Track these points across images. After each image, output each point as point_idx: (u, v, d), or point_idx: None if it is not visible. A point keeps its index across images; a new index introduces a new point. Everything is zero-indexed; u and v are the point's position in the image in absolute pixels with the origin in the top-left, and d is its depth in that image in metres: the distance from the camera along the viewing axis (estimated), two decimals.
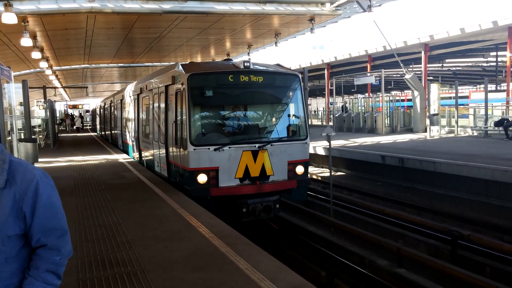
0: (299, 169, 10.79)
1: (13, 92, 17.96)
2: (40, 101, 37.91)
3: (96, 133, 41.29)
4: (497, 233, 11.04)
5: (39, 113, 34.39)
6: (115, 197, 10.17)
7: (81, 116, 62.77)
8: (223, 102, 11.13)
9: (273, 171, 10.31)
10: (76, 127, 49.44)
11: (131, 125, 18.12)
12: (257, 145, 10.17)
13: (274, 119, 11.64)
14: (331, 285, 8.50)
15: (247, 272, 5.38)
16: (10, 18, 13.99)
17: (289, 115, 11.46)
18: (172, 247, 6.47)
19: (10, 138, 16.97)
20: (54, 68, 31.71)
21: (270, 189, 10.29)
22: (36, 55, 21.93)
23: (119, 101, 22.41)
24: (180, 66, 10.81)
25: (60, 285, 5.27)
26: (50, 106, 29.29)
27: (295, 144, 10.91)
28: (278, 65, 12.00)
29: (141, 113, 15.86)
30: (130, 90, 18.98)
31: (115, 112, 24.48)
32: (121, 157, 18.53)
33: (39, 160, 13.76)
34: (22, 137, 16.21)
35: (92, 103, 71.31)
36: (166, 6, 16.86)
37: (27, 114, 13.76)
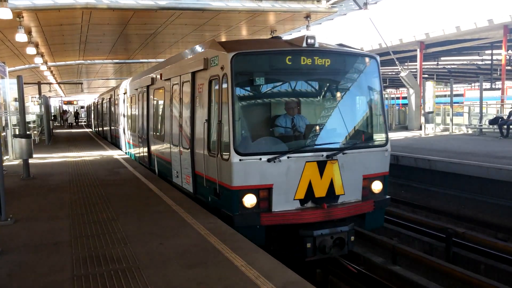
0: (376, 186, 8.29)
1: (8, 88, 17.94)
2: (35, 97, 37.78)
3: (91, 130, 41.17)
4: (492, 231, 11.10)
5: (33, 109, 34.26)
6: (110, 194, 10.13)
7: (76, 113, 62.95)
8: (278, 93, 8.57)
9: (343, 190, 7.81)
10: (69, 123, 49.61)
11: (137, 124, 15.32)
12: (324, 154, 7.61)
13: (345, 118, 8.61)
14: (326, 282, 8.51)
15: (242, 269, 5.38)
16: (5, 13, 13.93)
17: (364, 112, 8.82)
18: (168, 244, 6.46)
19: (4, 133, 16.94)
20: (49, 63, 31.66)
21: (342, 215, 7.72)
22: (31, 50, 21.88)
23: (121, 95, 19.61)
24: (218, 44, 8.14)
25: (56, 281, 5.30)
26: (45, 102, 29.18)
27: (373, 152, 8.31)
28: (341, 45, 9.01)
29: (152, 109, 13.28)
30: (135, 82, 16.33)
31: (115, 108, 21.99)
32: (116, 154, 18.48)
33: (34, 156, 13.70)
34: (17, 132, 16.12)
35: (87, 99, 71.09)
36: (162, 2, 16.86)
37: (22, 110, 13.68)
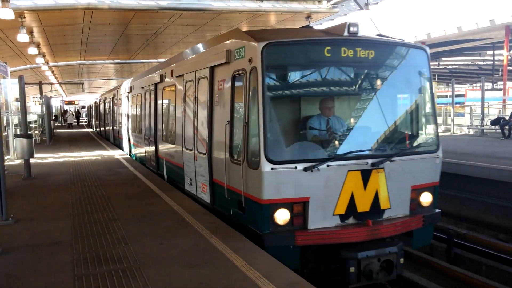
0: (426, 198, 7.20)
1: (10, 88, 17.98)
2: (36, 97, 37.85)
3: (92, 130, 41.21)
4: (493, 232, 11.09)
5: (35, 109, 34.33)
6: (111, 194, 10.13)
7: (78, 113, 63.20)
8: (315, 90, 7.43)
9: (390, 203, 6.77)
10: (68, 123, 49.86)
11: (144, 124, 14.38)
12: (369, 161, 6.55)
13: (391, 119, 7.49)
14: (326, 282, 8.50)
15: (243, 269, 5.38)
16: (7, 14, 13.94)
17: (412, 113, 7.64)
18: (168, 244, 6.46)
19: (6, 133, 16.97)
20: (51, 64, 31.72)
21: (390, 233, 6.71)
22: (32, 50, 21.90)
23: (125, 94, 18.59)
24: (244, 33, 7.06)
25: (56, 281, 5.30)
26: (46, 102, 29.23)
27: (423, 159, 7.14)
28: (380, 35, 7.67)
29: (161, 109, 12.28)
30: (141, 80, 15.33)
31: (119, 108, 21.07)
32: (116, 154, 18.49)
33: (35, 156, 13.70)
34: (18, 132, 16.16)
35: (88, 99, 71.18)
36: (163, 3, 16.87)
37: (23, 110, 13.70)
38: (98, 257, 5.95)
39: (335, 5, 18.88)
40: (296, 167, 6.23)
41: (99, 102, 34.25)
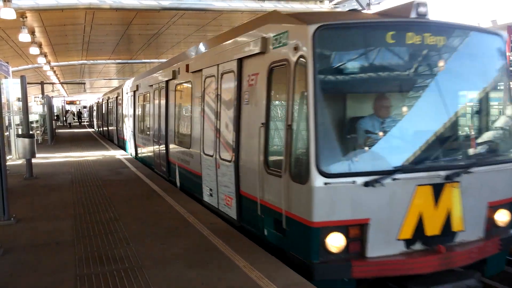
0: (503, 217, 5.94)
1: (11, 88, 18.01)
2: (38, 97, 37.94)
3: (94, 130, 41.23)
4: None
5: (36, 108, 34.40)
6: (112, 194, 10.14)
7: (79, 112, 63.49)
8: (376, 85, 5.94)
9: (463, 224, 5.54)
10: (68, 123, 50.11)
11: (153, 126, 13.24)
12: (443, 173, 5.32)
13: (464, 121, 6.40)
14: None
15: (245, 269, 5.37)
16: (8, 14, 13.97)
17: (489, 113, 6.42)
18: (170, 244, 6.46)
19: (7, 133, 16.99)
20: (52, 64, 31.78)
21: (466, 261, 5.48)
22: (34, 50, 21.96)
23: (131, 93, 17.58)
24: (286, 16, 5.96)
25: (58, 281, 5.31)
26: (47, 102, 29.26)
27: (502, 170, 5.88)
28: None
29: (173, 108, 11.15)
30: (149, 78, 14.20)
31: (123, 108, 20.01)
32: (118, 154, 18.51)
33: (37, 155, 13.72)
34: (20, 132, 16.19)
35: (89, 99, 71.30)
36: (165, 3, 16.89)
37: (25, 110, 13.73)
38: (100, 257, 5.96)
39: (337, 5, 18.91)
40: (354, 182, 5.02)
41: (102, 102, 33.90)
